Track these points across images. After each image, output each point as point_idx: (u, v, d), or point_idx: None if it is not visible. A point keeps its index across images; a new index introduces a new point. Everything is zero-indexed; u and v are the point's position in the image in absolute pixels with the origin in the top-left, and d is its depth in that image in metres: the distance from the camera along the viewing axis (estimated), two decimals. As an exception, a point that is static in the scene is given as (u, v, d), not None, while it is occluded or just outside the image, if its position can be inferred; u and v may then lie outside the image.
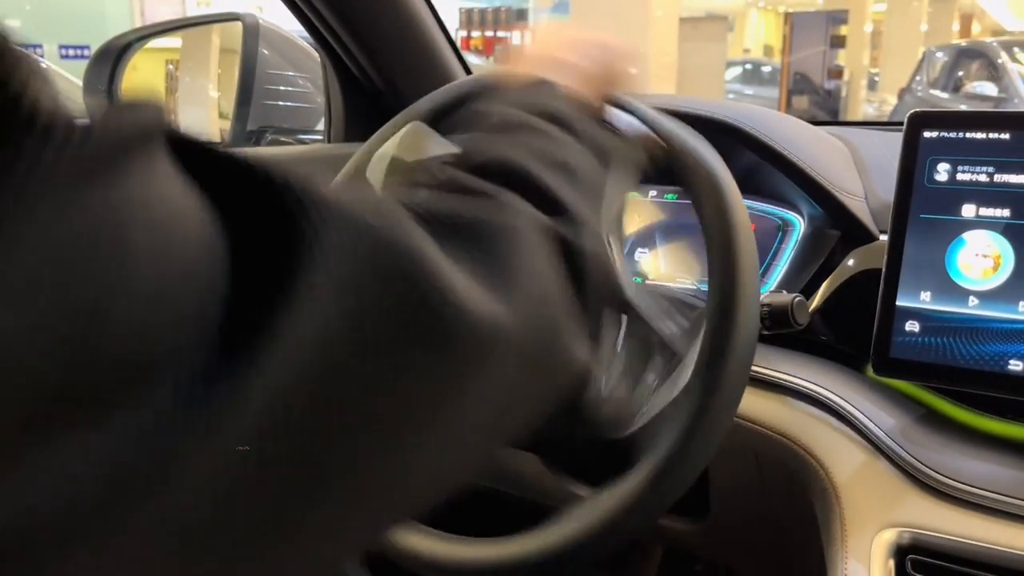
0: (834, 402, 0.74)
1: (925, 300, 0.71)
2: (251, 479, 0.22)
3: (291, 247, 0.23)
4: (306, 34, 1.18)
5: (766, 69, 14.39)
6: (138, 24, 7.13)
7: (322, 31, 1.13)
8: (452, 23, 12.13)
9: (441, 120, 0.78)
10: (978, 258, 0.70)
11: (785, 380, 0.77)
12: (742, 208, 0.59)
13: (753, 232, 0.62)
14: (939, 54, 8.58)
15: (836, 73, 11.98)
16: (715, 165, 0.59)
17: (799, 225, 0.87)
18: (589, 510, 0.60)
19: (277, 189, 0.24)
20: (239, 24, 1.29)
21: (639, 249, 0.96)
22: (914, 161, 0.72)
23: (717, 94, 11.72)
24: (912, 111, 0.74)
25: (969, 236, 0.71)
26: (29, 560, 0.19)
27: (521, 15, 12.79)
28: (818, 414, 0.74)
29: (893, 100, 11.20)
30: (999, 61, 7.32)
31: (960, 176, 0.71)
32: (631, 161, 0.57)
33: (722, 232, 0.59)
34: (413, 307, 0.26)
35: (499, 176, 0.36)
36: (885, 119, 9.38)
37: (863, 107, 12.75)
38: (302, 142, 1.37)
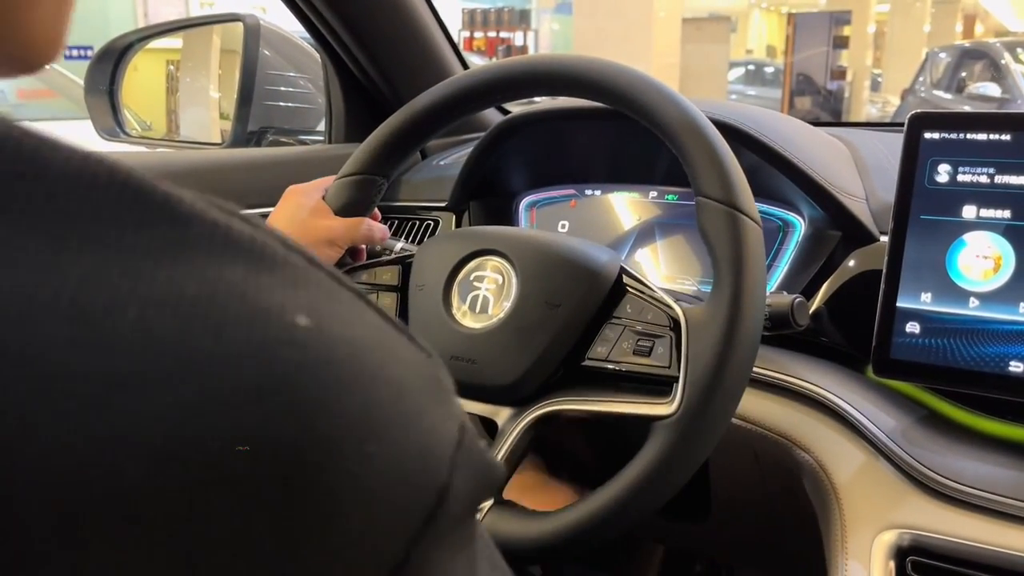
0: (834, 403, 0.73)
1: (926, 301, 0.71)
2: None
3: None
4: (307, 35, 1.18)
5: (769, 70, 14.38)
6: (142, 25, 7.14)
7: (323, 32, 1.13)
8: (455, 24, 12.12)
9: (437, 117, 0.78)
10: (979, 259, 0.70)
11: (785, 381, 0.77)
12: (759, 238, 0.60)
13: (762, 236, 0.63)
14: (942, 55, 8.56)
15: (839, 74, 11.94)
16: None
17: (800, 226, 0.87)
18: (586, 504, 0.62)
19: None
20: (240, 25, 1.29)
21: (639, 250, 0.96)
22: (915, 162, 0.72)
23: (720, 95, 11.71)
24: (912, 112, 0.74)
25: (970, 237, 0.70)
26: None
27: (524, 16, 12.80)
28: (818, 415, 0.74)
29: (896, 101, 11.20)
30: (1002, 62, 7.30)
31: (961, 177, 0.71)
32: None
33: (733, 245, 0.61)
34: None
35: None
36: (888, 120, 9.36)
37: (866, 108, 12.74)
38: (303, 143, 1.38)
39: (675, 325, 0.63)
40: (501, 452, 0.67)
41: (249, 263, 0.20)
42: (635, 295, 0.67)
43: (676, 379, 0.61)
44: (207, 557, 0.17)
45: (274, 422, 0.18)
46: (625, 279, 0.68)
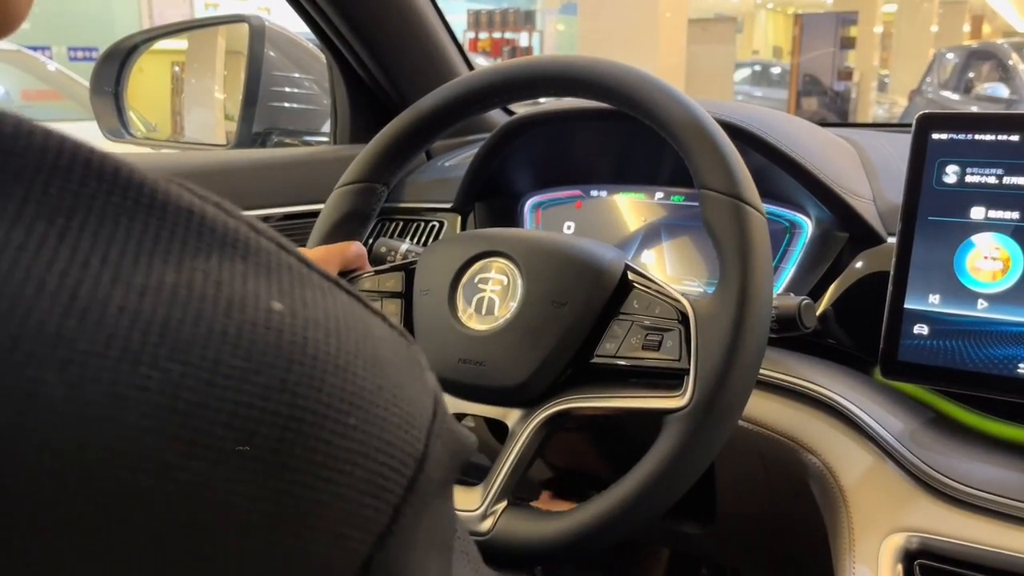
0: (841, 405, 0.73)
1: (933, 303, 0.71)
2: None
3: None
4: (312, 36, 1.18)
5: (775, 70, 14.36)
6: (147, 27, 7.16)
7: (328, 33, 1.13)
8: (459, 25, 12.13)
9: (442, 119, 0.78)
10: (987, 261, 0.69)
11: (792, 383, 0.76)
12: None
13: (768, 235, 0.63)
14: (949, 55, 8.54)
15: (846, 74, 11.91)
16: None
17: (807, 227, 0.86)
18: (602, 500, 0.62)
19: None
20: (245, 26, 1.29)
21: (645, 251, 0.95)
22: (923, 163, 0.72)
23: (726, 96, 11.68)
24: (920, 113, 0.73)
25: (978, 239, 0.70)
26: None
27: (529, 17, 12.80)
28: (825, 417, 0.74)
29: (903, 102, 11.18)
30: (1010, 63, 7.29)
31: (969, 178, 0.70)
32: None
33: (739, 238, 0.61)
34: None
35: None
36: (895, 121, 9.33)
37: (873, 109, 12.70)
38: (308, 144, 1.38)
39: (683, 318, 0.63)
40: (512, 454, 0.66)
41: (223, 252, 0.21)
42: (641, 290, 0.67)
43: (687, 371, 0.61)
44: (196, 519, 0.18)
45: (256, 403, 0.19)
46: (630, 275, 0.68)
